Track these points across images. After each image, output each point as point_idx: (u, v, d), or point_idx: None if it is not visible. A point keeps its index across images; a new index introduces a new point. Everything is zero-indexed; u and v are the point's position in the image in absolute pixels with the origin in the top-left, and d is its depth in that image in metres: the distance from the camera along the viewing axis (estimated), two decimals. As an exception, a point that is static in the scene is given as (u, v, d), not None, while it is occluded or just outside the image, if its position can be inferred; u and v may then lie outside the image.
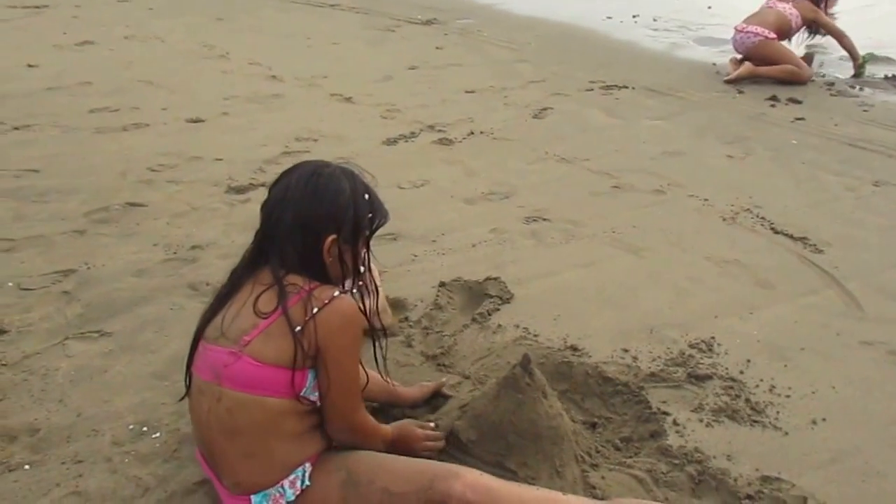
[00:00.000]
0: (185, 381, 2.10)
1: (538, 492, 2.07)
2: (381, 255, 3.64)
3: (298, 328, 1.88)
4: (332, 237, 1.99)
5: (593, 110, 5.64)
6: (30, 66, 6.74)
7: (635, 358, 2.86)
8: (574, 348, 2.90)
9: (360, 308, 2.05)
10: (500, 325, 3.07)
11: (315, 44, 7.50)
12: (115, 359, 2.90)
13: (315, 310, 1.90)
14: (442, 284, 3.33)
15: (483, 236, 3.85)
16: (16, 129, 5.31)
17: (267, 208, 2.05)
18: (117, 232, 3.93)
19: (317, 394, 1.99)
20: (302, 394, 1.95)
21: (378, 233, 3.73)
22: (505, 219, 4.04)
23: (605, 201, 4.28)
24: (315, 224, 1.99)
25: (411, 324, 3.08)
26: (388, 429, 2.24)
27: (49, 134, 5.24)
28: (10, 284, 3.42)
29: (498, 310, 3.18)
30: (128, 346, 3.00)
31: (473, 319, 3.12)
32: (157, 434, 2.48)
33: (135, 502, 2.22)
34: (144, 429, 2.51)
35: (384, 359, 2.27)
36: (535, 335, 3.00)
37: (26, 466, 2.35)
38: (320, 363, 1.95)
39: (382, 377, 2.39)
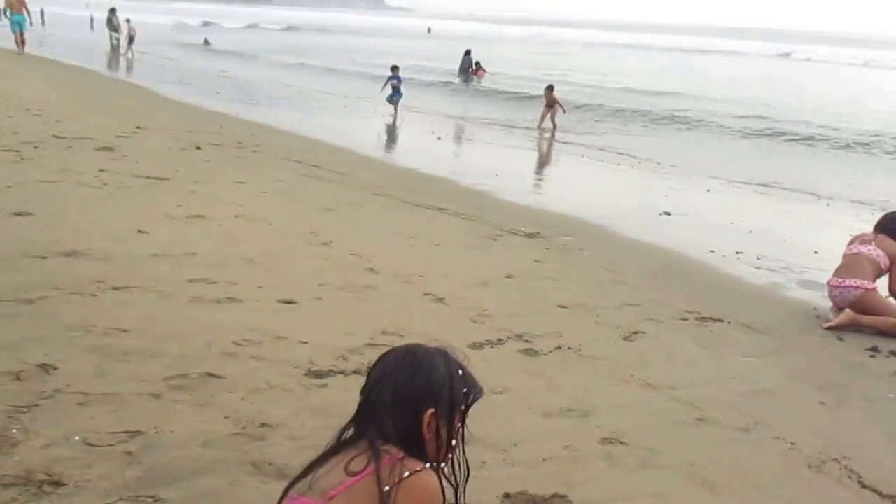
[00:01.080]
0: None
1: None
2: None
3: (386, 488, 1.99)
4: (431, 411, 2.14)
5: (685, 339, 5.66)
6: (140, 231, 7.19)
7: None
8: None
9: (447, 483, 2.22)
10: (562, 549, 3.03)
11: (417, 243, 7.84)
12: (163, 528, 2.97)
13: (405, 474, 2.02)
14: (507, 496, 3.33)
15: (556, 452, 3.85)
16: (115, 289, 5.62)
17: (366, 390, 2.23)
18: (192, 400, 4.08)
19: None
20: None
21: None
22: (580, 437, 4.04)
23: (686, 432, 4.24)
24: (415, 399, 2.15)
25: (471, 535, 3.06)
26: None
27: (145, 297, 5.54)
28: (77, 438, 3.55)
29: (563, 531, 3.15)
30: (180, 514, 3.07)
31: (535, 539, 3.09)
32: None
33: None
34: None
35: None
36: (601, 563, 2.94)
37: None
38: None
39: None
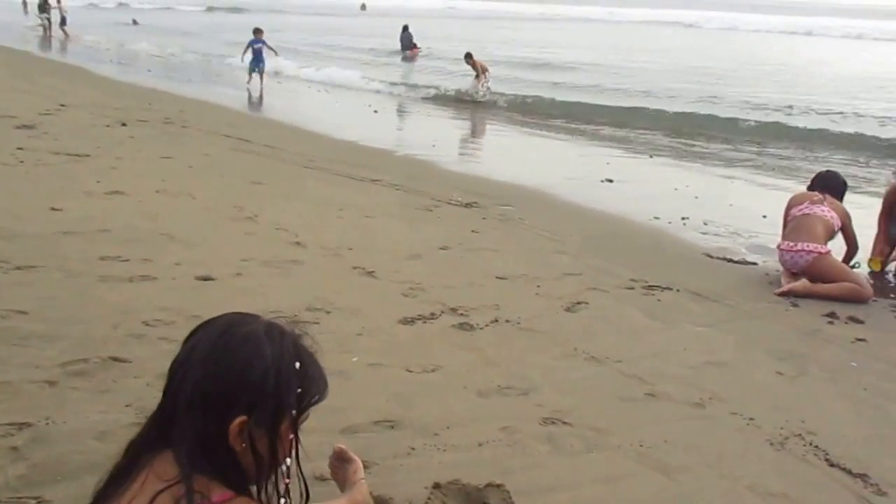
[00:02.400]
0: None
1: None
2: (374, 444, 3.35)
3: None
4: (240, 419, 1.57)
5: (631, 310, 5.38)
6: (53, 209, 6.78)
7: None
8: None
9: None
10: (495, 543, 2.69)
11: (347, 216, 7.48)
12: (44, 533, 2.58)
13: None
14: (437, 486, 2.98)
15: (492, 435, 3.51)
16: (18, 268, 5.24)
17: (172, 369, 1.67)
18: (91, 387, 3.71)
19: None
20: None
21: (376, 419, 3.55)
22: (519, 418, 3.71)
23: (635, 410, 3.93)
24: (220, 399, 1.57)
25: (393, 529, 2.72)
26: None
27: (51, 277, 5.16)
28: (-44, 434, 3.17)
29: (497, 523, 2.81)
30: (63, 519, 2.69)
31: (467, 531, 2.75)
32: None
33: None
34: None
35: None
36: (537, 560, 2.61)
37: None
38: None
39: None
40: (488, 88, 20.16)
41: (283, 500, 1.72)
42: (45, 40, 34.31)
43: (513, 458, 3.33)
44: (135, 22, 46.71)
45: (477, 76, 20.36)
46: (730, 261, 6.89)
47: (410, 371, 4.17)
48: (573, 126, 16.41)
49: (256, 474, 1.65)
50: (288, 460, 1.69)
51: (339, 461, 2.82)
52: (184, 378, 1.60)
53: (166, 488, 1.53)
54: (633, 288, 5.84)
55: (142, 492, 1.56)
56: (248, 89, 19.91)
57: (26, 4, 50.16)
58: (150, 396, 3.57)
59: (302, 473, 1.77)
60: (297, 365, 1.65)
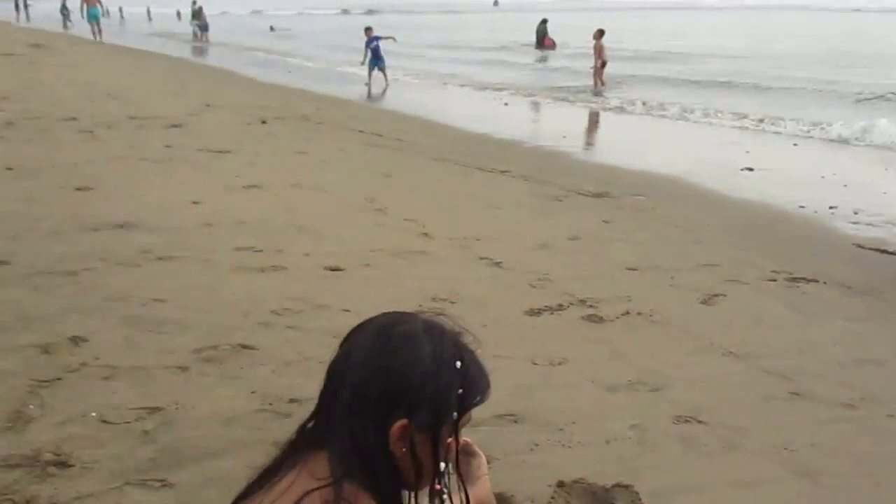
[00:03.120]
0: None
1: None
2: (496, 438, 3.22)
3: None
4: (401, 423, 1.46)
5: (774, 303, 5.04)
6: (194, 202, 7.00)
7: None
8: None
9: None
10: (625, 546, 2.51)
11: (475, 207, 7.40)
12: (168, 517, 2.59)
13: None
14: (560, 485, 2.83)
15: (621, 432, 3.33)
16: (159, 259, 5.40)
17: (329, 371, 1.56)
18: (219, 373, 3.76)
19: None
20: None
21: (499, 412, 3.42)
22: (650, 415, 3.50)
23: (777, 409, 3.64)
24: (379, 402, 1.47)
25: (515, 528, 2.58)
26: None
27: (188, 267, 5.29)
28: (94, 415, 3.29)
29: (626, 526, 2.63)
30: (186, 503, 2.68)
31: (592, 533, 2.58)
32: None
33: None
34: None
35: None
36: (668, 565, 2.42)
37: None
38: None
39: None
40: (602, 83, 19.80)
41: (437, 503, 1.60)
42: (196, 46, 36.41)
43: (642, 457, 3.15)
44: (272, 28, 48.67)
45: (596, 69, 19.95)
46: (884, 252, 6.40)
47: (535, 364, 4.02)
48: (710, 113, 15.77)
49: (415, 479, 1.53)
50: (443, 465, 1.53)
51: (464, 455, 2.70)
52: (342, 381, 1.50)
53: (317, 489, 1.43)
54: (775, 280, 5.48)
55: (290, 489, 1.45)
56: (367, 86, 20.20)
57: (180, 14, 53.53)
58: (276, 384, 3.61)
59: (462, 479, 1.64)
60: (458, 364, 1.51)
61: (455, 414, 1.51)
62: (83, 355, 3.83)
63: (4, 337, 3.97)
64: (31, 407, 3.30)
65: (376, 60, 20.64)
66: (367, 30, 21.11)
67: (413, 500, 1.60)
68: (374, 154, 10.23)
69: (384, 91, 19.63)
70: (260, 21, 53.80)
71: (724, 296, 5.09)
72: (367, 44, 20.78)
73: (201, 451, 3.03)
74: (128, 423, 3.22)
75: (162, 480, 2.83)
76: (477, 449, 2.67)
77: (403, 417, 1.45)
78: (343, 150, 10.42)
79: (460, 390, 1.50)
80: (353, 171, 9.03)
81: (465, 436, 2.74)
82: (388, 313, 1.60)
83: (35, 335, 4.01)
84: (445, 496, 1.57)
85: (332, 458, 1.47)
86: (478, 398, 1.56)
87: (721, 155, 11.43)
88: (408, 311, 1.61)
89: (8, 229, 5.80)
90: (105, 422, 3.22)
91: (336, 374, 1.52)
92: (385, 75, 20.68)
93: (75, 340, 3.99)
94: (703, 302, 4.98)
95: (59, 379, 3.57)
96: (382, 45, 20.86)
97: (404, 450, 1.48)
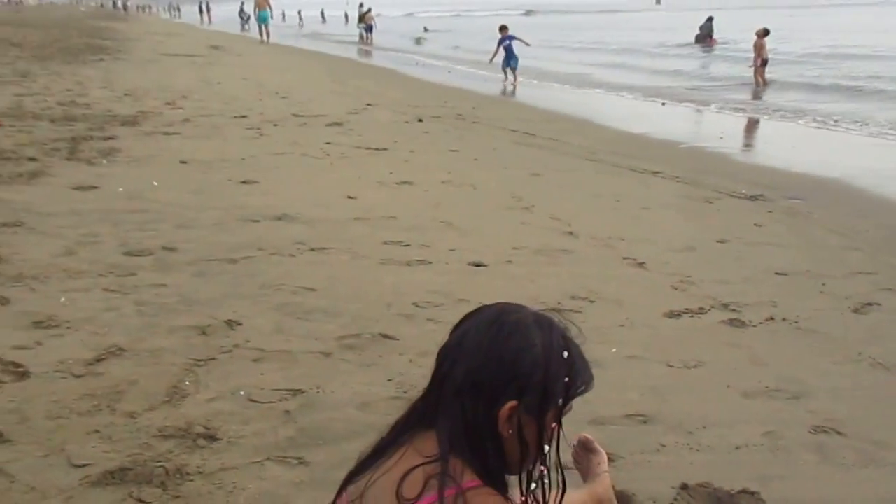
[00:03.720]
0: None
1: None
2: (623, 437, 3.21)
3: None
4: (511, 404, 1.53)
5: (933, 315, 4.73)
6: (349, 197, 7.28)
7: None
8: None
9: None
10: (744, 553, 2.46)
11: (623, 207, 7.30)
12: (302, 492, 2.76)
13: None
14: (684, 487, 2.78)
15: (753, 439, 3.22)
16: (312, 250, 5.67)
17: (440, 355, 1.64)
18: (359, 360, 3.91)
19: None
20: None
21: (628, 412, 3.40)
22: (786, 423, 3.37)
23: (925, 426, 3.44)
24: (490, 385, 1.54)
25: (632, 527, 2.58)
26: None
27: (339, 258, 5.52)
28: (242, 394, 3.49)
29: (748, 533, 2.57)
30: (320, 480, 2.83)
31: (712, 538, 2.54)
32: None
33: None
34: (299, 576, 2.27)
35: None
36: (789, 576, 2.35)
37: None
38: None
39: None
40: (764, 82, 19.01)
41: (534, 485, 1.67)
42: (361, 48, 37.52)
43: (774, 465, 3.04)
44: (426, 29, 49.52)
45: (756, 67, 19.15)
46: None
47: (670, 366, 3.95)
48: (871, 123, 14.76)
49: (520, 461, 1.60)
50: (546, 447, 1.60)
51: (584, 451, 2.71)
52: (454, 364, 1.58)
53: (422, 464, 1.53)
54: (936, 290, 5.14)
55: (397, 465, 1.57)
56: (504, 86, 20.24)
57: (347, 17, 55.50)
58: (412, 373, 3.72)
59: (561, 465, 1.69)
60: (565, 354, 1.58)
61: (560, 401, 1.57)
62: (237, 338, 4.08)
63: (167, 318, 4.28)
64: (187, 384, 3.55)
65: (509, 59, 20.70)
66: (503, 28, 21.12)
67: (519, 484, 1.64)
68: (525, 153, 10.27)
69: (514, 90, 19.68)
70: (413, 22, 55.01)
71: (879, 305, 4.80)
72: (500, 42, 20.84)
73: (337, 433, 3.17)
74: (272, 403, 3.41)
75: (299, 458, 2.98)
76: (598, 446, 2.70)
77: (513, 399, 1.52)
78: (495, 148, 10.53)
79: (566, 379, 1.57)
80: (503, 169, 9.10)
81: (593, 434, 2.77)
82: (502, 303, 1.67)
83: (195, 317, 4.30)
84: (547, 479, 1.63)
85: (441, 436, 1.55)
86: (582, 388, 1.61)
87: (887, 159, 10.78)
88: (526, 304, 1.66)
89: (178, 218, 6.24)
90: (252, 401, 3.42)
91: (448, 357, 1.60)
92: (515, 75, 20.72)
93: (230, 324, 4.25)
94: (855, 311, 4.72)
95: (213, 359, 3.83)
96: (516, 46, 20.88)
97: (511, 432, 1.54)
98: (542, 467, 1.62)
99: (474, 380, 1.54)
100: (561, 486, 1.72)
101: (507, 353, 1.54)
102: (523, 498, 1.66)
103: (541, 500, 1.64)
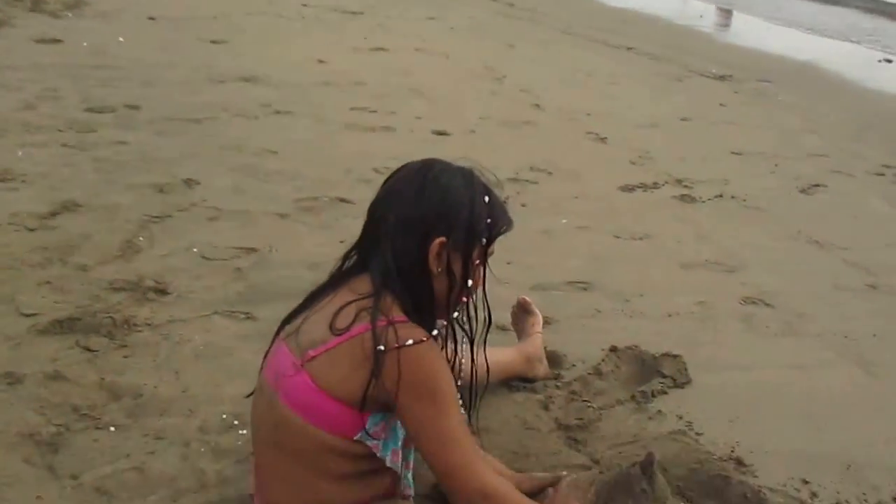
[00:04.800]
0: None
1: None
2: (562, 302, 3.28)
3: (381, 347, 1.56)
4: (440, 240, 1.64)
5: (875, 198, 4.78)
6: (319, 61, 7.11)
7: (814, 494, 2.22)
8: (740, 462, 2.32)
9: (461, 333, 1.77)
10: (660, 412, 2.55)
11: (593, 82, 7.22)
12: (246, 344, 2.79)
13: (407, 341, 1.57)
14: (613, 349, 2.86)
15: (685, 307, 3.30)
16: (277, 113, 5.58)
17: (371, 207, 1.77)
18: (315, 223, 3.91)
19: (377, 441, 1.66)
20: (356, 438, 1.63)
21: (570, 279, 3.47)
22: (719, 294, 3.45)
23: (850, 300, 3.52)
24: (422, 223, 1.65)
25: (558, 385, 2.66)
26: None
27: (303, 122, 5.44)
28: (195, 250, 3.49)
29: (666, 393, 2.66)
30: (266, 333, 2.83)
31: (632, 397, 2.63)
32: (245, 431, 2.29)
33: (186, 497, 2.05)
34: (235, 422, 2.35)
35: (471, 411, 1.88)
36: (699, 434, 2.45)
37: (112, 428, 2.28)
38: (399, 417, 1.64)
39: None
40: None
41: (456, 313, 1.76)
42: None
43: (701, 332, 3.12)
44: None
45: None
46: None
47: (617, 237, 4.00)
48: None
49: (447, 297, 1.71)
50: (470, 282, 1.72)
51: (522, 312, 2.79)
52: (385, 211, 1.70)
53: (355, 300, 1.64)
54: (883, 174, 5.19)
55: (332, 302, 1.68)
56: None
57: None
58: None
59: (487, 301, 1.80)
60: (487, 198, 1.70)
61: (484, 240, 1.70)
62: (194, 197, 4.05)
63: (126, 175, 4.23)
64: (141, 239, 3.53)
65: None
66: None
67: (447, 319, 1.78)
68: (503, 24, 10.05)
69: None
70: None
71: (826, 186, 4.86)
72: None
73: (286, 289, 3.17)
74: (224, 260, 3.41)
75: (247, 313, 3.01)
76: (535, 309, 2.79)
77: (442, 235, 1.64)
78: (473, 17, 10.28)
79: (489, 220, 1.69)
80: (478, 39, 8.92)
81: (535, 299, 2.85)
82: (422, 159, 1.79)
83: (154, 175, 4.25)
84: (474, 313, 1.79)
85: (374, 274, 1.68)
86: (504, 228, 1.75)
87: (859, 43, 10.64)
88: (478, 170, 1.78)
89: (143, 75, 6.08)
90: (205, 258, 3.42)
91: (379, 205, 1.73)
92: None
93: (189, 183, 4.21)
94: (802, 191, 4.78)
95: (169, 216, 3.80)
96: None
97: (440, 269, 1.67)
98: (466, 298, 1.74)
99: (405, 221, 1.66)
100: (487, 320, 1.81)
101: (435, 194, 1.66)
102: (445, 324, 1.77)
103: (465, 328, 1.77)
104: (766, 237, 4.11)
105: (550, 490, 1.96)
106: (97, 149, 4.57)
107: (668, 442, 2.37)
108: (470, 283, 1.70)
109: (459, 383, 1.75)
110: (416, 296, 1.67)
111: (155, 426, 2.30)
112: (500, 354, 2.49)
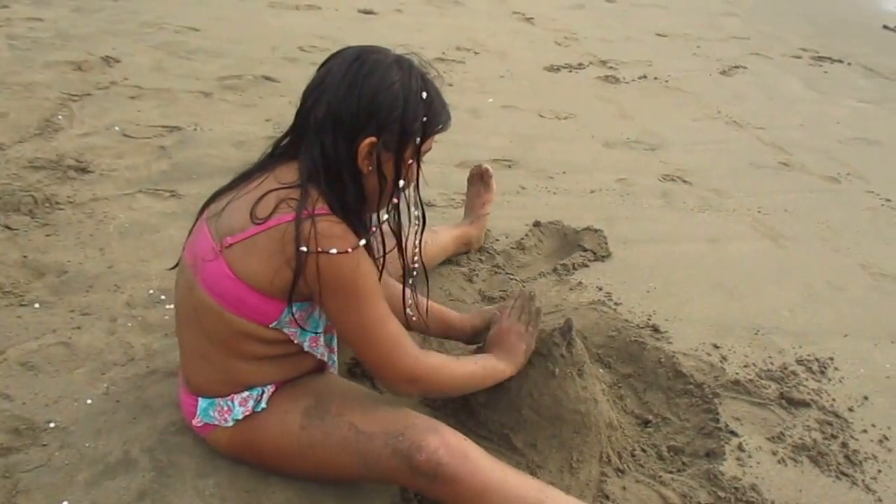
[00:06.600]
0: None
1: (530, 482, 1.64)
2: (487, 179, 3.25)
3: (304, 248, 1.48)
4: (370, 139, 1.52)
5: (792, 79, 4.83)
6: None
7: (724, 358, 2.31)
8: (655, 329, 2.38)
9: (391, 234, 1.66)
10: (580, 283, 2.59)
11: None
12: (172, 221, 2.72)
13: (331, 250, 1.48)
14: (536, 224, 2.87)
15: (607, 184, 3.33)
16: (198, -11, 5.28)
17: (305, 93, 1.61)
18: (239, 101, 3.78)
19: (294, 329, 1.62)
20: (272, 325, 1.59)
21: (495, 157, 3.43)
22: (640, 171, 3.48)
23: (763, 177, 3.60)
24: (350, 121, 1.52)
25: (482, 258, 2.67)
26: (487, 359, 1.79)
27: (227, 0, 5.17)
28: (117, 129, 3.35)
29: (586, 266, 2.69)
30: (191, 212, 2.76)
31: (554, 270, 2.66)
32: (172, 306, 2.24)
33: (113, 370, 2.00)
34: (163, 297, 2.30)
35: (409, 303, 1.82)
36: (617, 304, 2.50)
37: (36, 305, 2.20)
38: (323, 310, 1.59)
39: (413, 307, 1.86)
40: None
41: (388, 217, 1.67)
42: None
43: (621, 207, 3.16)
44: None
45: None
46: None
47: (542, 116, 3.97)
48: None
49: (378, 196, 1.62)
50: (402, 182, 1.61)
51: (479, 181, 2.73)
52: (317, 101, 1.55)
53: (279, 189, 1.54)
54: (800, 57, 5.23)
55: (256, 189, 1.57)
56: None
57: None
58: (291, 114, 3.52)
59: (421, 200, 1.71)
60: (424, 95, 1.56)
61: (418, 139, 1.58)
62: (114, 75, 3.87)
63: (42, 53, 4.00)
64: (60, 118, 3.37)
65: None
66: None
67: (378, 218, 1.68)
68: None
69: None
70: None
71: (745, 68, 4.88)
72: None
73: (212, 168, 3.10)
74: (147, 139, 3.28)
75: (172, 191, 2.92)
76: (494, 184, 2.72)
77: (372, 135, 1.52)
78: None
79: (424, 118, 1.57)
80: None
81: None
82: (363, 45, 1.63)
83: (71, 53, 4.03)
84: (406, 214, 1.67)
85: (301, 166, 1.56)
86: (440, 126, 1.62)
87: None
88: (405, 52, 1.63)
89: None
90: (126, 136, 3.28)
91: (312, 93, 1.58)
92: None
93: (108, 60, 4.02)
94: (722, 72, 4.79)
95: (88, 95, 3.63)
96: None
97: (370, 168, 1.56)
98: (396, 199, 1.64)
99: (335, 116, 1.53)
100: (421, 219, 1.74)
101: (367, 90, 1.52)
102: (374, 228, 1.69)
103: (396, 231, 1.66)
104: (685, 117, 4.13)
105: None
106: (11, 25, 4.31)
107: (588, 311, 2.40)
108: (402, 183, 1.61)
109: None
110: (344, 193, 1.57)
111: (80, 302, 2.24)
112: (440, 236, 2.49)
